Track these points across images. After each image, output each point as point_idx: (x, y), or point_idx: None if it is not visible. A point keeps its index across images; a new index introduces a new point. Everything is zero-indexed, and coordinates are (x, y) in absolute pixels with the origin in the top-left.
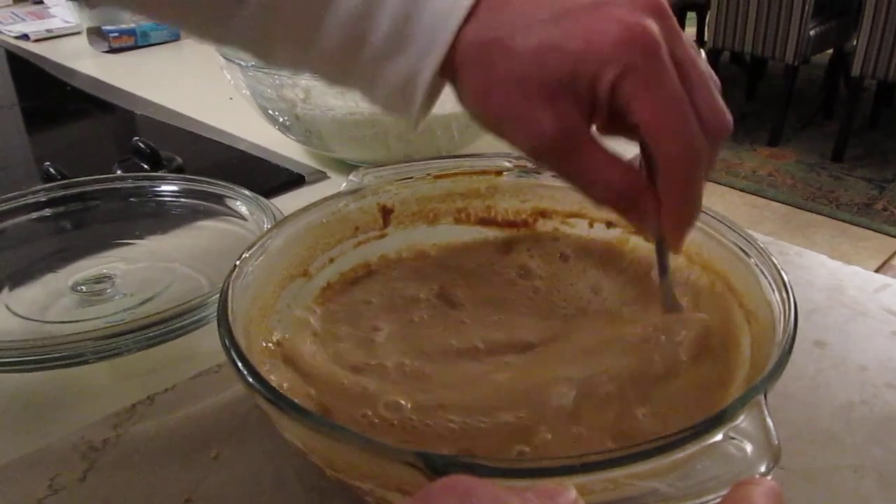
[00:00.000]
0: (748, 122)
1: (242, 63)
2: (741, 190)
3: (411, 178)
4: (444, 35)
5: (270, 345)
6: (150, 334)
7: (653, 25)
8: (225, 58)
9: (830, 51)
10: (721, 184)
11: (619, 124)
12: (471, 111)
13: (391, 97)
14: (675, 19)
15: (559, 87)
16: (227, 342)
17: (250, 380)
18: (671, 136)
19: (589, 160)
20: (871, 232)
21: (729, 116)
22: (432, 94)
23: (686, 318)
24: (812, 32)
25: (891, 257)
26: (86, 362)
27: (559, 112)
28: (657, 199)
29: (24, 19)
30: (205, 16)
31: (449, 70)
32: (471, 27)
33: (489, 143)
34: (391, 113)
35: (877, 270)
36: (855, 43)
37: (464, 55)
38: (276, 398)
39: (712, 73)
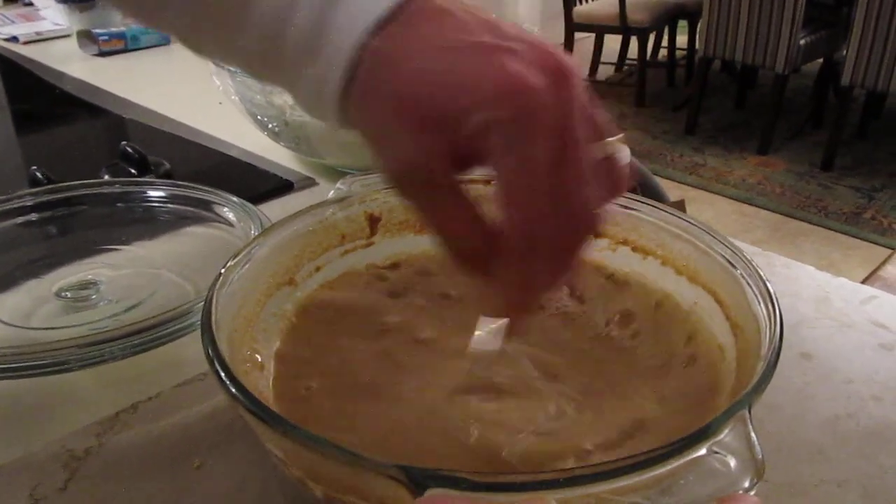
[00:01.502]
0: (738, 130)
1: (232, 69)
2: (730, 198)
3: None
4: (348, 43)
5: (255, 354)
6: (135, 342)
7: (541, 88)
8: (215, 63)
9: (820, 60)
10: (710, 192)
11: None
12: (353, 122)
13: (309, 101)
14: (581, 91)
15: (427, 118)
16: (210, 352)
17: (233, 390)
18: (514, 204)
19: (440, 204)
20: (859, 241)
21: (593, 218)
22: (344, 100)
23: None
24: (802, 42)
25: (879, 267)
26: (69, 370)
27: (422, 142)
28: (497, 273)
29: (13, 21)
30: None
31: (353, 79)
32: (376, 40)
33: None
34: (313, 116)
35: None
36: (844, 52)
37: (363, 66)
38: (258, 409)
39: (623, 172)
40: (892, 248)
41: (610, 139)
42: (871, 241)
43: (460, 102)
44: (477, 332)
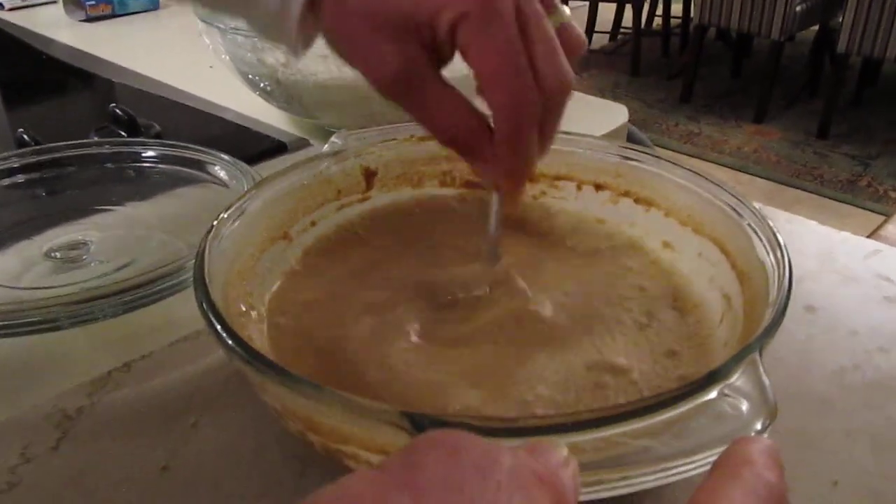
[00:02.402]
0: (733, 98)
1: (221, 26)
2: (726, 167)
3: (395, 140)
4: None
5: (250, 308)
6: (127, 299)
7: None
8: (203, 21)
9: (816, 27)
10: (706, 160)
11: None
12: (327, 40)
13: (268, 27)
14: None
15: (402, 26)
16: (204, 304)
17: (228, 341)
18: (500, 86)
19: (431, 101)
20: (855, 208)
21: (570, 76)
22: (308, 28)
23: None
24: (798, 9)
25: (874, 231)
26: (60, 328)
27: (402, 49)
28: (493, 150)
29: None
30: None
31: (315, 3)
32: None
33: None
34: (270, 41)
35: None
36: (841, 19)
37: None
38: (255, 359)
39: (571, 28)
40: (888, 215)
41: (561, 10)
42: (866, 209)
43: (430, 5)
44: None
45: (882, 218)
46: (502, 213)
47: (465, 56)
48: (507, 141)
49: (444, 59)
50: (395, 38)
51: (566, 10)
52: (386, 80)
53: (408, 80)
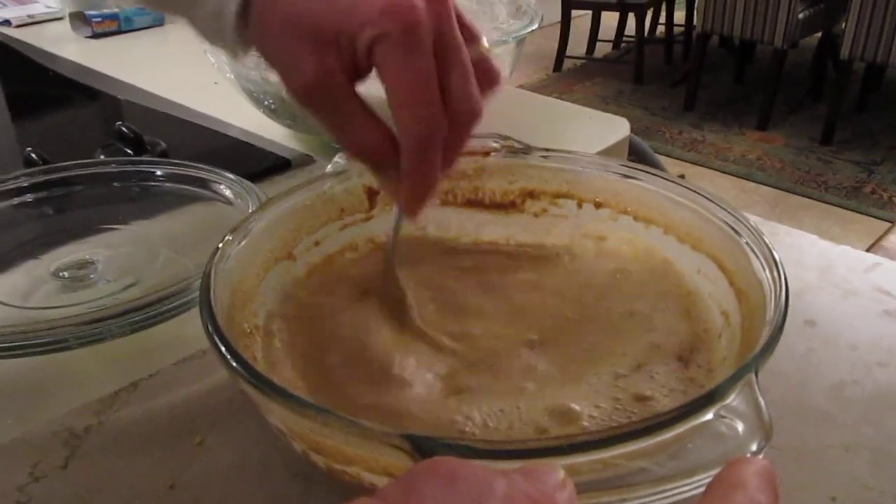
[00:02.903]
0: (737, 106)
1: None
2: (730, 174)
3: None
4: None
5: (254, 328)
6: (134, 319)
7: (420, 4)
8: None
9: (819, 34)
10: (710, 168)
11: None
12: (254, 43)
13: (207, 27)
14: (450, 5)
15: (323, 37)
16: (209, 326)
17: (233, 363)
18: (408, 111)
19: (344, 114)
20: (859, 215)
21: (479, 106)
22: (241, 29)
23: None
24: (801, 16)
25: (879, 238)
26: (68, 348)
27: (321, 59)
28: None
29: (5, 4)
30: None
31: (246, 8)
32: None
33: None
34: (211, 43)
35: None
36: (843, 26)
37: None
38: (260, 382)
39: (488, 60)
40: (892, 222)
41: (481, 42)
42: (871, 215)
43: (352, 20)
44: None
45: (887, 225)
46: (400, 227)
47: (379, 73)
48: (410, 164)
49: (361, 75)
50: (315, 48)
51: (486, 43)
52: (302, 89)
53: (323, 91)
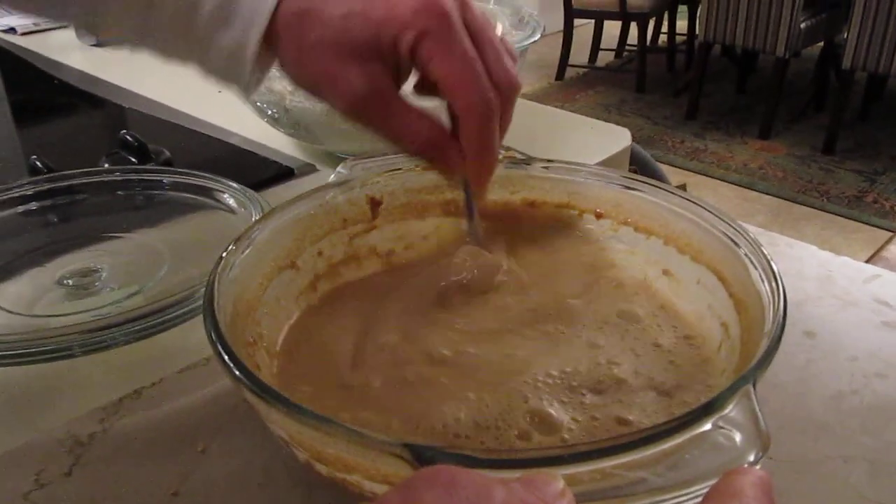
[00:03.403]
0: (739, 115)
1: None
2: (732, 183)
3: (400, 169)
4: (265, 6)
5: (258, 338)
6: (138, 327)
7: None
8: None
9: (821, 43)
10: (712, 177)
11: (432, 86)
12: (290, 76)
13: (223, 67)
14: None
15: (365, 50)
16: (213, 335)
17: (236, 372)
18: (465, 91)
19: (397, 116)
20: (861, 224)
21: (517, 76)
22: (262, 65)
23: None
24: (803, 25)
25: (880, 248)
26: (72, 356)
27: (367, 72)
28: (460, 150)
29: (11, 12)
30: None
31: (270, 39)
32: (288, 0)
33: None
34: (225, 83)
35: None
36: (845, 35)
37: (283, 24)
38: (263, 391)
39: (505, 40)
40: (894, 231)
41: (496, 26)
42: (873, 225)
43: (390, 27)
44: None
45: (888, 234)
46: (475, 205)
47: (427, 69)
48: (476, 138)
49: (403, 78)
50: (360, 62)
51: (499, 29)
52: (354, 103)
53: (375, 100)
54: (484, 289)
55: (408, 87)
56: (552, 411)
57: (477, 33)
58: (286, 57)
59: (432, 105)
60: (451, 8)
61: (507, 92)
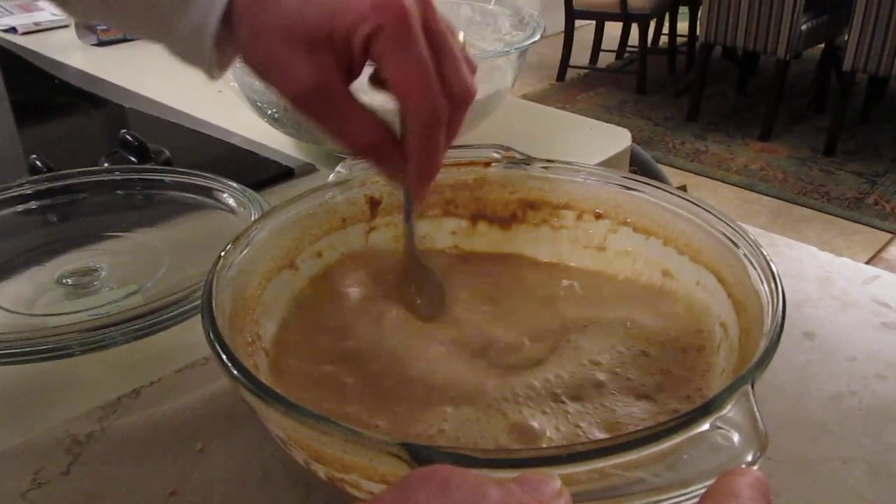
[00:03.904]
0: (739, 116)
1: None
2: (733, 184)
3: None
4: None
5: (256, 337)
6: (136, 327)
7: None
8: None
9: (822, 45)
10: (713, 178)
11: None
12: (243, 57)
13: (185, 47)
14: None
15: (317, 40)
16: (211, 334)
17: (234, 372)
18: (413, 94)
19: (343, 113)
20: (861, 226)
21: (473, 87)
22: (225, 47)
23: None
24: (804, 27)
25: (881, 249)
26: (71, 355)
27: (316, 62)
28: (403, 155)
29: (11, 12)
30: None
31: (230, 20)
32: None
33: (477, 134)
34: (188, 63)
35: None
36: (846, 37)
37: (240, 7)
38: (261, 390)
39: (467, 50)
40: (894, 233)
41: (458, 35)
42: (873, 227)
43: (345, 19)
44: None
45: (889, 236)
46: (412, 211)
47: (379, 65)
48: (419, 144)
49: (354, 74)
50: (310, 51)
51: (461, 38)
52: (301, 94)
53: (322, 94)
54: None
55: (362, 77)
56: (534, 423)
57: (435, 37)
58: (240, 38)
59: (383, 101)
60: (412, 7)
61: (458, 101)
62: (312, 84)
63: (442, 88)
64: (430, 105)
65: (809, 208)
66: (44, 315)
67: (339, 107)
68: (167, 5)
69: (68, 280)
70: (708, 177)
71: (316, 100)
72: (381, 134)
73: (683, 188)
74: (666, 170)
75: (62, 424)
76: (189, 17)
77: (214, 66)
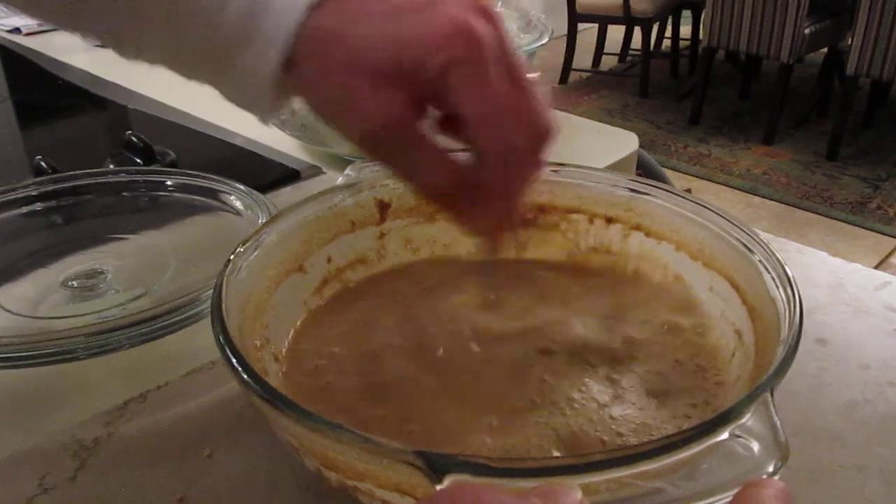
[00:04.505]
0: (742, 120)
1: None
2: (735, 188)
3: None
4: (288, 26)
5: (265, 341)
6: (143, 330)
7: (481, 25)
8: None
9: (825, 49)
10: (715, 182)
11: (454, 123)
12: (307, 100)
13: (240, 89)
14: (503, 25)
15: (388, 75)
16: (221, 338)
17: (245, 376)
18: (493, 132)
19: (413, 154)
20: (864, 231)
21: (553, 122)
22: (282, 91)
23: None
24: (807, 31)
25: (888, 256)
26: (77, 359)
27: (386, 99)
28: (478, 201)
29: (15, 13)
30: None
31: (290, 62)
32: (313, 18)
33: None
34: (244, 108)
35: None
36: (849, 41)
37: (305, 45)
38: (272, 396)
39: (537, 83)
40: None
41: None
42: (876, 231)
43: (416, 52)
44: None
45: (892, 241)
46: (493, 258)
47: (455, 98)
48: (498, 186)
49: (425, 109)
50: (380, 88)
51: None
52: (370, 132)
53: (393, 131)
54: None
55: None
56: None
57: (511, 69)
58: (305, 78)
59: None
60: (487, 36)
61: (539, 138)
62: (382, 120)
63: (520, 125)
64: (510, 142)
65: (812, 213)
66: (49, 318)
67: (412, 145)
68: (224, 42)
69: (74, 283)
70: (710, 181)
71: (386, 137)
72: (455, 172)
73: (688, 192)
74: (668, 174)
75: (68, 429)
76: (247, 59)
77: (270, 110)
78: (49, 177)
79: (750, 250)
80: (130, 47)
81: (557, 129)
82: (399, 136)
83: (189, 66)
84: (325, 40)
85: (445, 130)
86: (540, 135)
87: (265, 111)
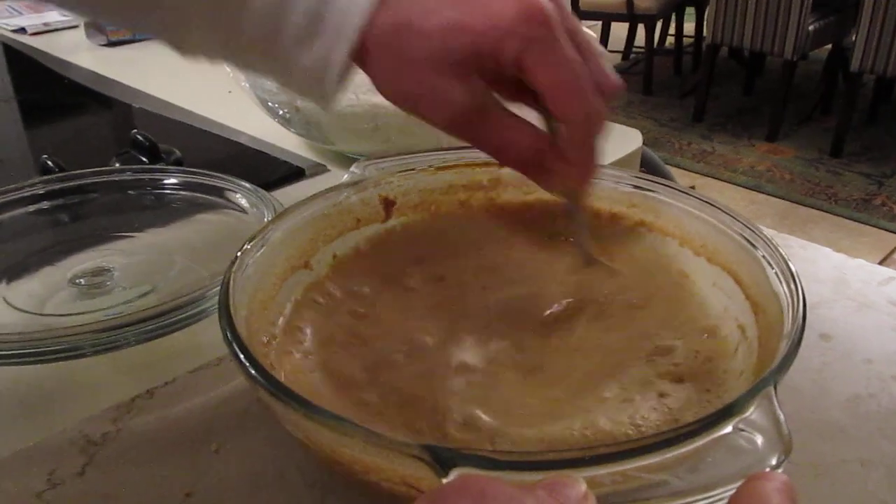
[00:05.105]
0: (746, 117)
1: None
2: (739, 185)
3: (413, 169)
4: (354, 21)
5: (272, 337)
6: (150, 327)
7: (547, 3)
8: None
9: (829, 46)
10: (719, 179)
11: (520, 93)
12: (385, 93)
13: (306, 83)
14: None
15: (466, 62)
16: (228, 334)
17: (252, 372)
18: (572, 100)
19: (499, 127)
20: (869, 227)
21: (617, 79)
22: (345, 78)
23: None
24: (811, 27)
25: (892, 252)
26: (84, 355)
27: (467, 84)
28: (561, 159)
29: (21, 12)
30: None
31: (360, 54)
32: (381, 13)
33: None
34: (306, 98)
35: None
36: (854, 38)
37: (375, 39)
38: (279, 391)
39: (596, 41)
40: None
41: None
42: (881, 228)
43: (491, 40)
44: None
45: None
46: (581, 213)
47: (533, 76)
48: (581, 146)
49: (500, 89)
50: (460, 75)
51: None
52: (457, 118)
53: (476, 114)
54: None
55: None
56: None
57: (575, 37)
58: (380, 73)
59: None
60: (553, 13)
61: (608, 96)
62: (466, 105)
63: (593, 87)
64: (589, 107)
65: (816, 209)
66: (56, 315)
67: (496, 123)
68: (291, 37)
69: (81, 280)
70: (714, 178)
71: (470, 120)
72: (540, 142)
73: (692, 189)
74: (672, 171)
75: (76, 425)
76: (313, 53)
77: (333, 99)
78: (55, 175)
79: (753, 246)
80: (182, 44)
81: (622, 83)
82: (481, 118)
83: (248, 65)
84: (398, 34)
85: (514, 99)
86: (610, 91)
87: (329, 100)
